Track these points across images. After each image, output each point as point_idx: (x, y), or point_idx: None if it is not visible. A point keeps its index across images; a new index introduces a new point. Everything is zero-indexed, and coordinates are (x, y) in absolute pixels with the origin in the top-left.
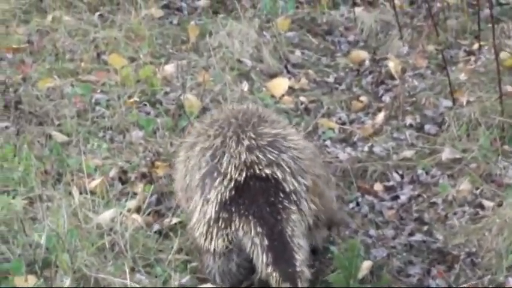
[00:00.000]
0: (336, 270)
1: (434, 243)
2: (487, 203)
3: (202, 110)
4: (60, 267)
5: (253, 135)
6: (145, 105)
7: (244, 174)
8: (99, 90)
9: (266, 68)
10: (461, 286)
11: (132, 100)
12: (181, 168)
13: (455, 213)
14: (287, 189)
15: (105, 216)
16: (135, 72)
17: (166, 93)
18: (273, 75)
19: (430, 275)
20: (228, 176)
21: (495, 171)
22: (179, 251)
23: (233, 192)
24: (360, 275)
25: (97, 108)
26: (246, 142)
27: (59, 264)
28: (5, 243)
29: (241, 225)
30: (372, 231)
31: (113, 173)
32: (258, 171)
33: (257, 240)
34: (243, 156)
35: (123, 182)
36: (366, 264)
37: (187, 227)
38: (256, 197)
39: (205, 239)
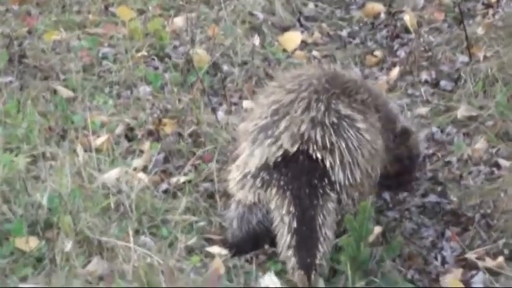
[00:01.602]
0: (347, 232)
1: (449, 205)
2: (503, 162)
3: (212, 64)
4: (62, 229)
5: (323, 108)
6: (153, 59)
7: (295, 147)
8: (106, 44)
9: (278, 21)
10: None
11: (139, 54)
12: (253, 110)
13: (470, 173)
14: (332, 178)
15: (111, 175)
16: (144, 25)
17: (175, 47)
18: (285, 29)
19: (443, 237)
20: (279, 143)
21: None
22: (186, 211)
23: (279, 160)
24: (371, 238)
25: (104, 62)
26: (312, 113)
27: (61, 226)
28: (6, 202)
29: (276, 197)
30: (385, 193)
31: (119, 130)
32: (310, 150)
33: (287, 220)
34: (303, 128)
35: (130, 139)
36: (378, 228)
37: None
38: (300, 174)
39: (236, 186)
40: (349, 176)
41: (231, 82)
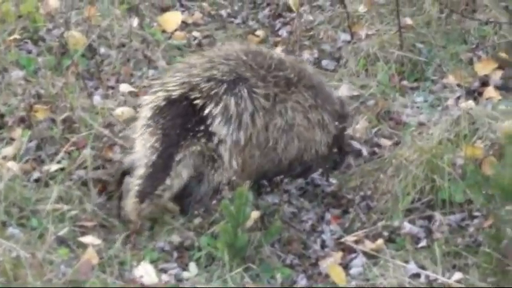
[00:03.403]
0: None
1: (329, 187)
2: (384, 142)
3: (88, 47)
4: None
5: (226, 69)
6: (26, 43)
7: (179, 92)
8: None
9: (158, 1)
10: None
11: (12, 38)
12: None
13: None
14: (210, 128)
15: None
16: (16, 8)
17: (49, 29)
18: (165, 9)
19: (324, 221)
20: (166, 87)
21: (393, 108)
22: (59, 200)
23: (163, 104)
24: (249, 224)
25: None
26: (213, 71)
27: None
28: None
29: (149, 136)
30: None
31: None
32: (192, 96)
33: (148, 153)
34: (195, 79)
35: (0, 126)
36: (256, 213)
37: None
38: (177, 116)
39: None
40: (232, 134)
41: (108, 65)
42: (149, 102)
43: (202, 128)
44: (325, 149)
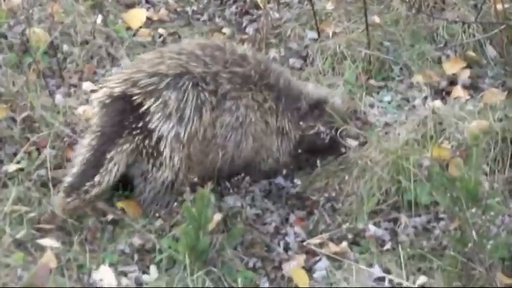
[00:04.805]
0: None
1: (294, 188)
2: (350, 142)
3: (50, 44)
4: None
5: (174, 65)
6: None
7: (119, 89)
8: None
9: None
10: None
11: None
12: None
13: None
14: (149, 125)
15: None
16: None
17: (10, 26)
18: (129, 6)
19: (288, 222)
20: (108, 84)
21: (360, 108)
22: (17, 201)
23: (107, 101)
24: (211, 226)
25: None
26: (161, 67)
27: None
28: None
29: (91, 133)
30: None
31: None
32: (131, 93)
33: (84, 151)
34: (137, 75)
35: None
36: (218, 215)
37: None
38: (116, 113)
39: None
40: (172, 129)
41: (70, 63)
42: (96, 99)
43: (140, 125)
44: (286, 157)
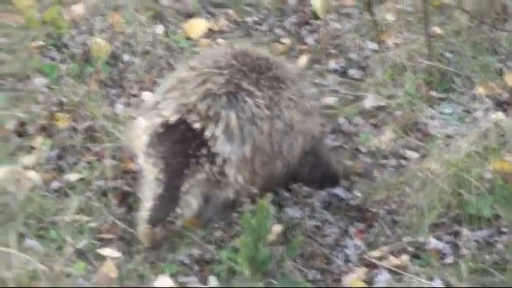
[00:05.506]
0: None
1: (353, 200)
2: (411, 154)
3: (111, 54)
4: None
5: (222, 81)
6: (49, 49)
7: (176, 117)
8: (0, 34)
9: (183, 7)
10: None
11: (35, 44)
12: None
13: (376, 166)
14: (213, 150)
15: None
16: (41, 14)
17: (72, 36)
18: (190, 16)
19: (347, 235)
20: (161, 113)
21: (421, 119)
22: (79, 211)
23: (161, 130)
24: (271, 237)
25: None
26: (208, 85)
27: None
28: None
29: (151, 166)
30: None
31: (10, 125)
32: (189, 120)
33: (153, 185)
34: (191, 99)
35: (21, 135)
36: (278, 226)
37: None
38: (177, 143)
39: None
40: (237, 150)
41: (131, 73)
42: (145, 127)
43: (204, 151)
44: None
